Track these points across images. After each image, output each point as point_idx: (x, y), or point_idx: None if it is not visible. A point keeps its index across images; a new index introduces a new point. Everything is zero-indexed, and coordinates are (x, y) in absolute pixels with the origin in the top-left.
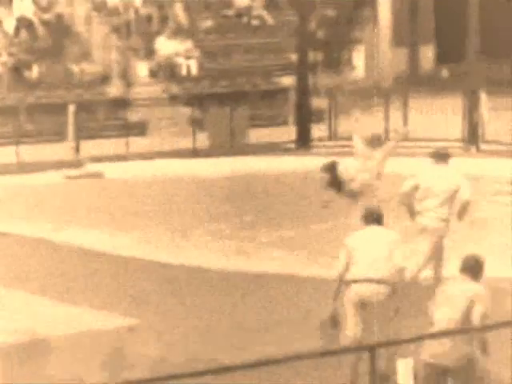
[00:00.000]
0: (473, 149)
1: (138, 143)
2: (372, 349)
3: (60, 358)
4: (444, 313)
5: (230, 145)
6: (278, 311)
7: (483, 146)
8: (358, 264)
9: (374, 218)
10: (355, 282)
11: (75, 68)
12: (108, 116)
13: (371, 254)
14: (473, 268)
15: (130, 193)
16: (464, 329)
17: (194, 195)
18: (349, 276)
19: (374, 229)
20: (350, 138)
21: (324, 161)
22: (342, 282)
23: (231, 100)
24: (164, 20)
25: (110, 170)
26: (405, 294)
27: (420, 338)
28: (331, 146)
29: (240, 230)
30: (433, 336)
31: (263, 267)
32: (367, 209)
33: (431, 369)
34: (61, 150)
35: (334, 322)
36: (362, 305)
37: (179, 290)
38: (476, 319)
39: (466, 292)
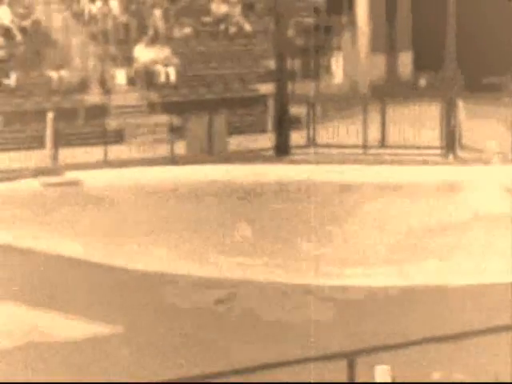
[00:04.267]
0: (450, 156)
1: (116, 151)
2: (350, 356)
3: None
4: None
5: (209, 152)
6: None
7: (460, 154)
8: None
9: None
10: None
11: (54, 75)
12: (86, 123)
13: None
14: None
15: (108, 200)
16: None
17: (173, 202)
18: None
19: None
20: (328, 145)
21: (303, 168)
22: None
23: (210, 107)
24: (142, 28)
25: (88, 177)
26: None
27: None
28: (310, 154)
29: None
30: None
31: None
32: None
33: None
34: (39, 157)
35: None
36: None
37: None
38: None
39: None
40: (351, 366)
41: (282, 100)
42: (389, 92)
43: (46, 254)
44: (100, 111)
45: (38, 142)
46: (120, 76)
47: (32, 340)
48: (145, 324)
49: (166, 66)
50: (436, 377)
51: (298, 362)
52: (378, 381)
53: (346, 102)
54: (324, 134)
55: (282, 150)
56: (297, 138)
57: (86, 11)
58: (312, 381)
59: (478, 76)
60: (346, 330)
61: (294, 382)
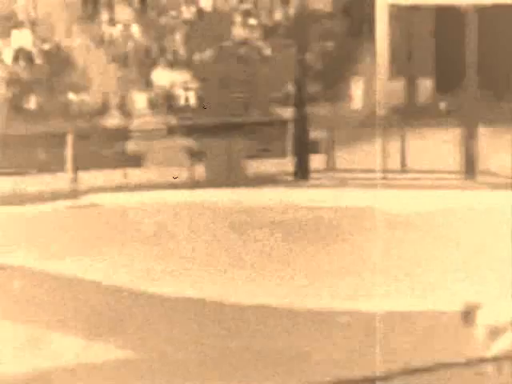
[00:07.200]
0: (470, 181)
1: (135, 174)
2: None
3: None
4: None
5: (228, 176)
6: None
7: (480, 178)
8: None
9: None
10: None
11: (74, 98)
12: (106, 147)
13: None
14: None
15: (127, 223)
16: None
17: (192, 225)
18: None
19: None
20: (348, 170)
21: (322, 193)
22: None
23: (229, 131)
24: (163, 51)
25: (108, 200)
26: None
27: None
28: (330, 178)
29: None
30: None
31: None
32: None
33: None
34: (59, 181)
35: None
36: None
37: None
38: None
39: None
40: None
41: (302, 124)
42: (408, 116)
43: (64, 277)
44: (119, 135)
45: (57, 165)
46: (140, 99)
47: None
48: None
49: (186, 89)
50: None
51: None
52: None
53: (366, 127)
54: (344, 158)
55: (301, 175)
56: (316, 162)
57: (106, 34)
58: None
59: (499, 101)
60: None
61: None
